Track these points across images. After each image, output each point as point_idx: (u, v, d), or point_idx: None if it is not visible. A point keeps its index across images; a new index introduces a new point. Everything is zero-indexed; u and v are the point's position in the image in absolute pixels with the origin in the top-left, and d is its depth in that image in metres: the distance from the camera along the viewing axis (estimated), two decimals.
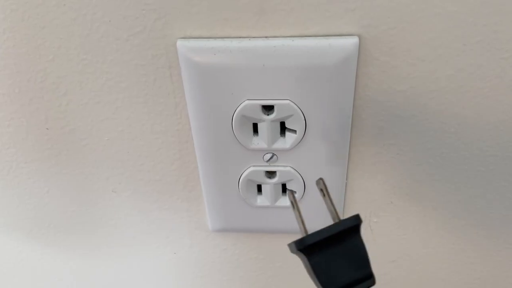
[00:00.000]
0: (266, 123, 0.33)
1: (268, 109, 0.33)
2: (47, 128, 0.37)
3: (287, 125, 0.34)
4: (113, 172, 0.39)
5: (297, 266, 0.45)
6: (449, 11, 0.29)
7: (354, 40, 0.30)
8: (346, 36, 0.30)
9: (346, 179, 0.37)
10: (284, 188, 0.38)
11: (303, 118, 0.33)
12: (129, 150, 0.38)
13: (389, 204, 0.39)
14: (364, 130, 0.35)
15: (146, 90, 0.34)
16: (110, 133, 0.37)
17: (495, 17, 0.29)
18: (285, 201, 0.38)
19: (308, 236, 0.25)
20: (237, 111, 0.33)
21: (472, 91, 0.32)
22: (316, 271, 0.25)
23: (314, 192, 0.37)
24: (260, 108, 0.33)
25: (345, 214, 0.40)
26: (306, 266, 0.25)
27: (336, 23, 0.30)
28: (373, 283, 0.25)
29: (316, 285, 0.25)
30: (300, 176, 0.37)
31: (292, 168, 0.36)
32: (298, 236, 0.42)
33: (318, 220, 0.39)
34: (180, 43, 0.31)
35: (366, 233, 0.41)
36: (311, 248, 0.25)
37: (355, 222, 0.25)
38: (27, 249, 0.47)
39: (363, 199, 0.39)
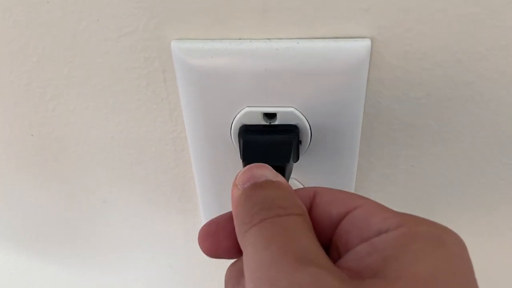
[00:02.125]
0: None
1: (270, 116, 0.31)
2: (32, 135, 0.35)
3: None
4: (104, 181, 0.37)
5: None
6: (471, 12, 0.26)
7: (365, 43, 0.27)
8: (357, 39, 0.28)
9: (354, 191, 0.35)
10: None
11: (309, 127, 0.30)
12: (121, 158, 0.35)
13: None
14: (375, 140, 0.32)
15: (138, 95, 0.32)
16: (100, 140, 0.34)
17: None
18: None
19: (248, 125, 0.30)
20: (236, 118, 0.30)
21: (495, 100, 0.29)
22: (244, 146, 0.29)
23: None
24: (261, 116, 0.30)
25: None
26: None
27: (346, 24, 0.27)
28: (282, 173, 0.27)
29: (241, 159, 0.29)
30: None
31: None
32: None
33: None
34: (174, 45, 0.29)
35: None
36: (247, 131, 0.30)
37: (291, 127, 0.30)
38: (15, 259, 0.45)
39: None
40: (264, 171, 0.23)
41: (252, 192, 0.22)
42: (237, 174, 0.24)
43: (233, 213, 0.23)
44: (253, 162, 0.28)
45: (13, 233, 0.42)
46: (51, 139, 0.35)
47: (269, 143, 0.29)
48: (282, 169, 0.28)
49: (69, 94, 0.32)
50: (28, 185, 0.38)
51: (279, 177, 0.23)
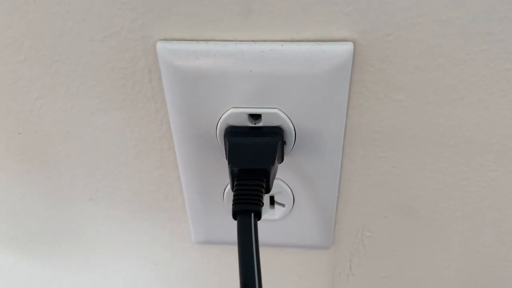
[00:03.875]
0: None
1: (255, 117, 0.31)
2: (19, 133, 0.35)
3: None
4: (90, 180, 0.37)
5: (285, 281, 0.43)
6: (451, 17, 0.27)
7: (348, 46, 0.28)
8: (340, 42, 0.28)
9: (338, 192, 0.35)
10: (272, 201, 0.36)
11: (293, 128, 0.31)
12: (107, 157, 0.35)
13: (383, 218, 0.37)
14: (357, 141, 0.33)
15: (124, 94, 0.32)
16: (86, 139, 0.34)
17: (501, 25, 0.27)
18: (272, 214, 0.36)
19: (234, 126, 0.30)
20: (221, 119, 0.31)
21: (474, 103, 0.30)
22: (230, 148, 0.29)
23: (303, 205, 0.35)
24: (246, 117, 0.30)
25: (337, 228, 0.38)
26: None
27: (329, 27, 0.28)
28: (267, 175, 0.29)
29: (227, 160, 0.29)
30: (288, 188, 0.35)
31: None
32: (283, 249, 0.40)
33: (306, 232, 0.37)
34: (160, 46, 0.29)
35: (358, 247, 0.39)
36: (233, 133, 0.30)
37: (275, 130, 0.30)
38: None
39: (356, 213, 0.37)
40: None
41: None
42: None
43: None
44: (239, 164, 0.29)
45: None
46: (38, 138, 0.35)
47: (254, 146, 0.29)
48: (267, 172, 0.29)
49: (56, 93, 0.32)
50: (16, 182, 0.38)
51: None
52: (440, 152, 0.33)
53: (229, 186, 0.35)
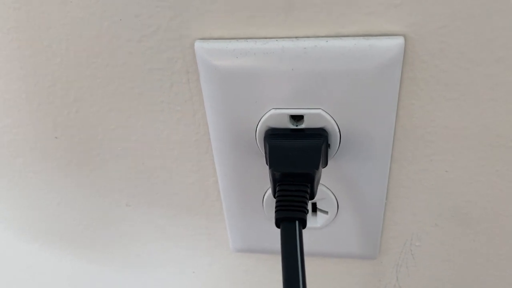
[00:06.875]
0: None
1: (297, 119, 0.29)
2: (56, 137, 0.34)
3: None
4: (127, 185, 0.36)
5: None
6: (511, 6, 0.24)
7: (399, 40, 0.26)
8: (390, 36, 0.26)
9: (386, 199, 0.33)
10: (314, 208, 0.34)
11: (338, 130, 0.29)
12: (144, 161, 0.34)
13: (433, 226, 0.35)
14: (408, 143, 0.31)
15: (161, 97, 0.31)
16: (123, 142, 0.34)
17: None
18: (315, 221, 0.34)
19: (275, 128, 0.29)
20: (261, 121, 0.29)
21: None
22: (271, 151, 0.28)
23: (348, 212, 0.33)
24: (288, 118, 0.29)
25: (384, 237, 0.36)
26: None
27: (378, 21, 0.26)
28: (311, 180, 0.27)
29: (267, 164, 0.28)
30: (332, 194, 0.33)
31: (326, 186, 0.32)
32: (325, 259, 0.38)
33: (351, 241, 0.35)
34: (198, 45, 0.28)
35: (406, 257, 0.37)
36: (274, 136, 0.28)
37: (319, 132, 0.28)
38: (38, 262, 0.44)
39: (405, 221, 0.35)
40: None
41: None
42: None
43: None
44: (280, 168, 0.27)
45: (37, 235, 0.42)
46: (75, 142, 0.34)
47: (297, 149, 0.28)
48: (311, 176, 0.27)
49: (92, 95, 0.32)
50: (53, 186, 0.38)
51: None
52: (497, 154, 0.30)
53: (268, 192, 0.33)
